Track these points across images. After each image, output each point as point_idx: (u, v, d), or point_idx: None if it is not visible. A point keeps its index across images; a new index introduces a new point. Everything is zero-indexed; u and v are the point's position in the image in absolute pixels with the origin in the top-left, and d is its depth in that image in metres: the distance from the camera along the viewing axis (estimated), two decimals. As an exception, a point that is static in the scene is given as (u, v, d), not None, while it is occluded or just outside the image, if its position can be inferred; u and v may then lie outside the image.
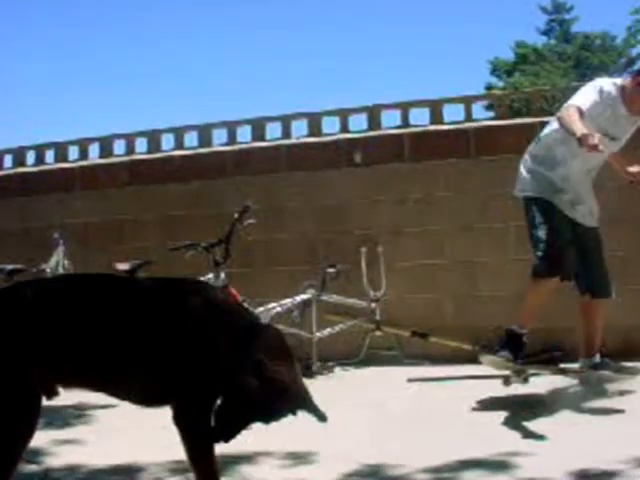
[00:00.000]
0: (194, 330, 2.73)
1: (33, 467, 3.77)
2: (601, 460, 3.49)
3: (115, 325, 2.70)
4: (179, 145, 8.26)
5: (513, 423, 4.41)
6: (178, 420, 2.74)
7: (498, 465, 3.58)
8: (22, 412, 2.63)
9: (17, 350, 2.61)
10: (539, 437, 4.02)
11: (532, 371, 5.99)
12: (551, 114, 7.55)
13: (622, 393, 5.10)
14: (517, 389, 5.43)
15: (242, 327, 2.79)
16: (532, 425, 4.32)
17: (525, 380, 5.21)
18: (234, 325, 2.79)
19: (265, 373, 2.65)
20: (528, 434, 4.11)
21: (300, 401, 2.75)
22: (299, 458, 3.79)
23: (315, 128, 7.83)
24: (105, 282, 2.88)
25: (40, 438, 3.99)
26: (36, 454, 3.88)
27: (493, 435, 4.11)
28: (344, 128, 7.80)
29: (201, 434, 2.72)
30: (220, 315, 2.80)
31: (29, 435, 2.66)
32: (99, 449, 4.11)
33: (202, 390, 2.72)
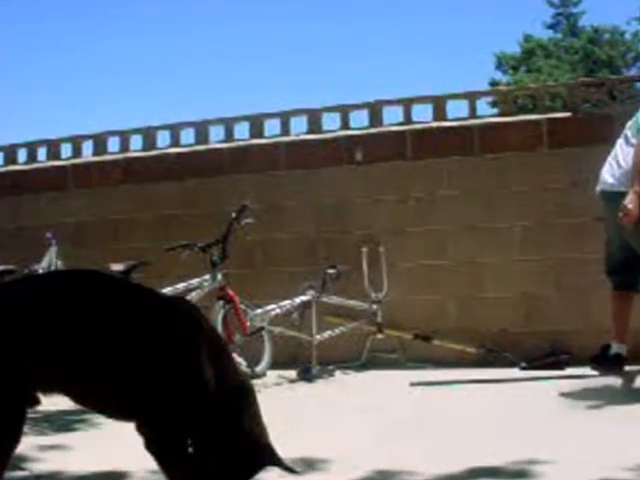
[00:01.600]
0: (175, 353, 2.71)
1: (23, 474, 3.76)
2: (617, 467, 3.47)
3: (97, 333, 2.68)
4: (175, 142, 8.21)
5: (521, 428, 4.40)
6: (150, 446, 2.72)
7: (509, 474, 3.56)
8: (8, 418, 2.62)
9: (4, 354, 2.60)
10: (550, 443, 4.01)
11: (538, 375, 6.02)
12: (557, 110, 7.57)
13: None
14: (524, 394, 5.43)
15: (223, 376, 2.79)
16: (542, 431, 4.31)
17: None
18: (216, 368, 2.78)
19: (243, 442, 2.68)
20: (538, 440, 4.10)
21: (269, 460, 2.77)
22: (302, 466, 3.77)
23: (315, 125, 7.80)
24: (94, 285, 2.82)
25: (31, 443, 4.00)
26: (26, 460, 3.88)
27: (501, 441, 4.10)
28: (345, 125, 7.76)
29: (176, 456, 2.70)
30: (204, 350, 2.78)
31: (16, 442, 2.65)
32: (92, 455, 4.10)
33: (175, 414, 2.70)
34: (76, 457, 4.11)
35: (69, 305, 2.71)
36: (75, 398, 2.82)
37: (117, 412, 2.83)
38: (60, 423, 4.83)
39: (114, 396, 2.74)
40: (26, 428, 2.69)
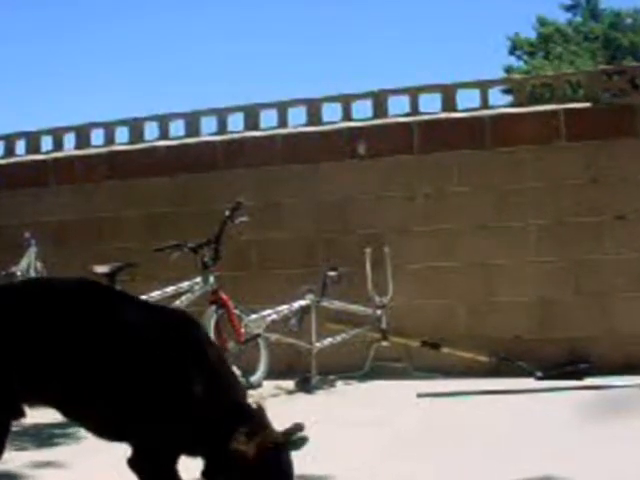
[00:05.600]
0: (168, 369, 2.72)
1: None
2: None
3: (83, 345, 2.70)
4: (164, 135, 8.22)
5: (537, 443, 4.40)
6: (133, 464, 2.73)
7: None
8: None
9: None
10: (568, 458, 4.01)
11: (555, 385, 6.02)
12: (575, 100, 7.58)
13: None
14: (540, 406, 5.44)
15: (226, 388, 2.80)
16: (560, 445, 4.31)
17: None
18: (218, 382, 2.80)
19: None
20: (555, 455, 4.10)
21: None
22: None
23: (314, 116, 7.81)
24: (80, 294, 2.84)
25: (19, 459, 4.02)
26: (15, 478, 3.89)
27: (515, 457, 4.10)
28: (347, 116, 7.77)
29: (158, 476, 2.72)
30: (204, 365, 2.79)
31: None
32: (83, 472, 4.11)
33: (164, 435, 2.72)
34: (66, 474, 4.11)
35: (58, 316, 2.74)
36: (65, 413, 2.84)
37: (104, 428, 2.84)
38: (48, 437, 4.83)
39: (102, 411, 2.76)
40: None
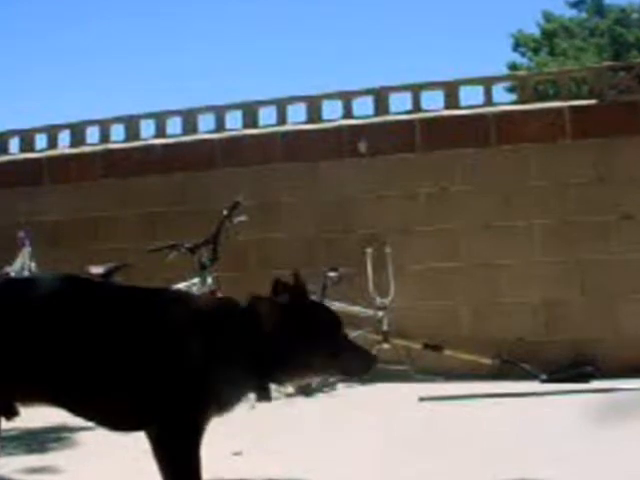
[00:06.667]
0: (174, 348, 2.73)
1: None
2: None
3: (83, 336, 2.71)
4: (160, 133, 8.22)
5: (542, 448, 4.39)
6: (156, 453, 2.73)
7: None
8: None
9: None
10: (574, 464, 4.00)
11: (560, 388, 6.02)
12: (581, 97, 7.58)
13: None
14: (544, 409, 5.43)
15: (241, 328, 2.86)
16: (565, 450, 4.30)
17: None
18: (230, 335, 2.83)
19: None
20: (560, 460, 4.09)
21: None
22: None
23: (314, 113, 7.80)
24: (76, 287, 2.87)
25: (12, 464, 4.00)
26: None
27: (519, 462, 4.09)
28: (347, 113, 7.77)
29: (182, 469, 2.71)
30: (206, 327, 2.81)
31: None
32: (77, 477, 4.10)
33: (183, 418, 2.72)
34: (57, 479, 4.10)
35: (57, 310, 2.74)
36: (71, 409, 2.84)
37: (117, 420, 2.84)
38: (42, 442, 4.82)
39: (110, 400, 2.76)
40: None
